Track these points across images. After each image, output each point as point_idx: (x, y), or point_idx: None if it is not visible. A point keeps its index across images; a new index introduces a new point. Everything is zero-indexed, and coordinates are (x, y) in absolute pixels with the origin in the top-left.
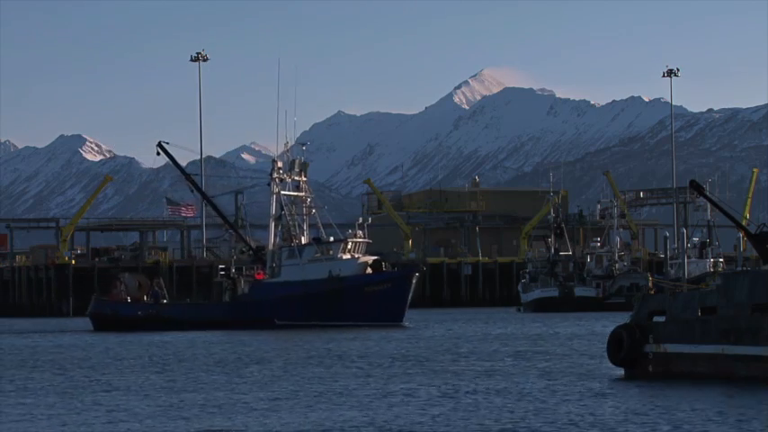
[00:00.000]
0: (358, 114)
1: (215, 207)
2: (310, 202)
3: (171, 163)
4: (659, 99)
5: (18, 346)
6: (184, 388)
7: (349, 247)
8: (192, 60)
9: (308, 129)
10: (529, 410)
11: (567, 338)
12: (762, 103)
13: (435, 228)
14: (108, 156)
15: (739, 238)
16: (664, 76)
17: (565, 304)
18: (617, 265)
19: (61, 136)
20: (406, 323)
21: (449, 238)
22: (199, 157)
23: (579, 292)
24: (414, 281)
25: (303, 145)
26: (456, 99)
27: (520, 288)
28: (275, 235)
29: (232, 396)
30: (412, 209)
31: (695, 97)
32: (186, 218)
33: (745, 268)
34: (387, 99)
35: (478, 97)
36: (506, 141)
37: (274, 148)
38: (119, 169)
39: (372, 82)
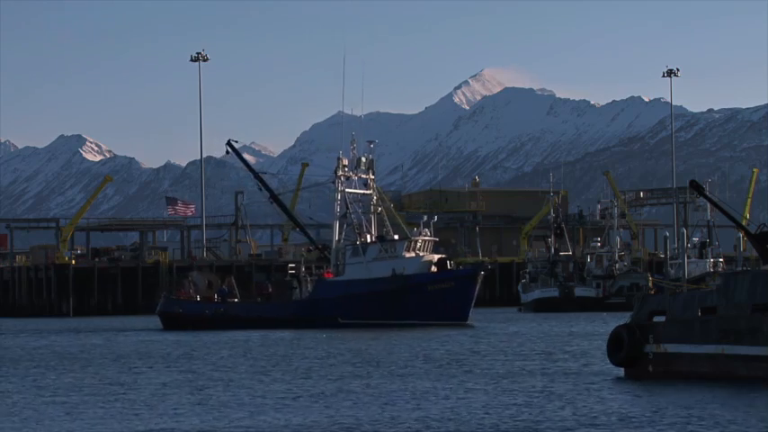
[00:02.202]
0: (358, 114)
1: (283, 206)
2: (377, 199)
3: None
4: (659, 99)
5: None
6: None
7: (418, 245)
8: (192, 60)
9: (308, 129)
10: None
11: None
12: (762, 103)
13: (435, 228)
14: (108, 156)
15: (739, 238)
16: (664, 76)
17: (565, 304)
18: (617, 265)
19: (61, 136)
20: (470, 322)
21: (449, 238)
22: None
23: (579, 292)
24: (479, 280)
25: (371, 143)
26: (456, 99)
27: (520, 288)
28: (340, 233)
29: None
30: (412, 209)
31: (695, 97)
32: (186, 217)
33: (745, 268)
34: (387, 99)
35: (478, 97)
36: (506, 141)
37: (274, 148)
38: (119, 169)
39: (372, 82)
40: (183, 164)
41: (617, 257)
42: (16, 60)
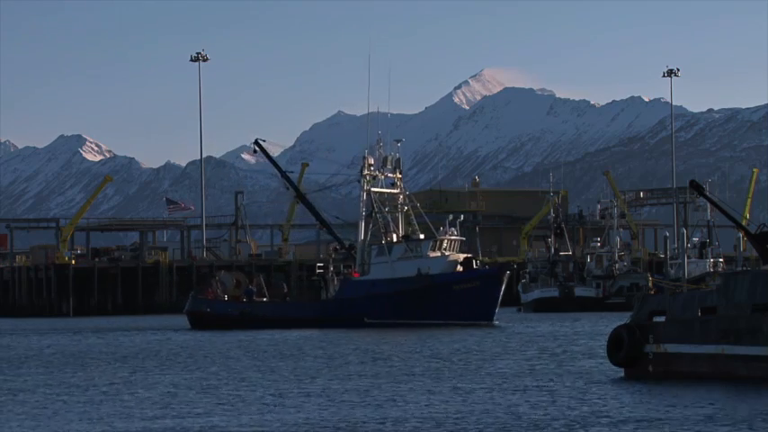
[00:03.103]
0: (358, 114)
1: (309, 205)
2: (403, 198)
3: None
4: (659, 99)
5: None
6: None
7: (444, 245)
8: (191, 60)
9: (308, 129)
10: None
11: None
12: (762, 103)
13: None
14: (108, 156)
15: (739, 238)
16: (664, 76)
17: (565, 304)
18: (617, 265)
19: (61, 136)
20: (496, 322)
21: None
22: (204, 156)
23: (579, 292)
24: (504, 279)
25: (398, 141)
26: (456, 99)
27: (520, 288)
28: (365, 233)
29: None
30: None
31: (695, 97)
32: (186, 217)
33: (745, 268)
34: (387, 99)
35: (478, 97)
36: (506, 141)
37: (274, 148)
38: (119, 169)
39: (372, 82)
40: (183, 164)
41: (617, 257)
42: (16, 60)
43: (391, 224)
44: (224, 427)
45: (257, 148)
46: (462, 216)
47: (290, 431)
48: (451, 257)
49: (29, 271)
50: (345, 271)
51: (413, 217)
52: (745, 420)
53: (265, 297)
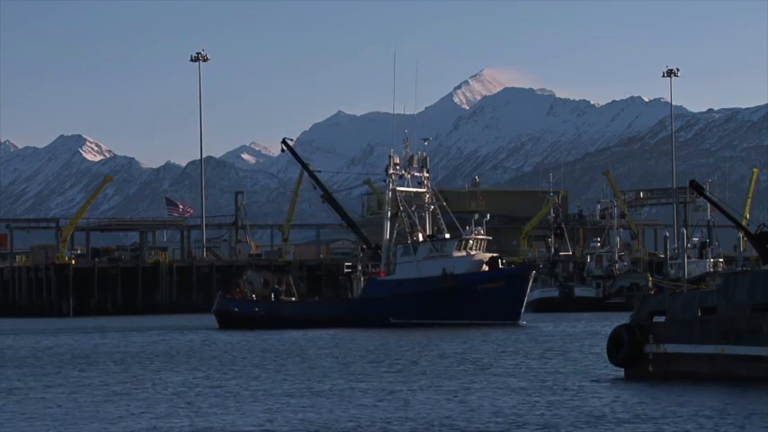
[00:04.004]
0: (358, 114)
1: (336, 204)
2: (429, 198)
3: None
4: (659, 99)
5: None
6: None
7: (471, 244)
8: (191, 60)
9: (308, 129)
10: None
11: None
12: (762, 103)
13: None
14: (108, 156)
15: (739, 238)
16: (664, 76)
17: (565, 304)
18: (617, 265)
19: (61, 136)
20: (522, 322)
21: None
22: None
23: (579, 292)
24: (530, 279)
25: (425, 140)
26: (456, 99)
27: None
28: (391, 232)
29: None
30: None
31: (695, 97)
32: (186, 217)
33: (745, 268)
34: (387, 99)
35: (478, 97)
36: (506, 141)
37: (274, 148)
38: (119, 169)
39: (372, 82)
40: (183, 164)
41: (617, 257)
42: (16, 60)
43: (417, 224)
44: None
45: (284, 147)
46: (488, 215)
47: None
48: (477, 257)
49: (29, 271)
50: (373, 270)
51: (440, 216)
52: (745, 420)
53: (294, 297)
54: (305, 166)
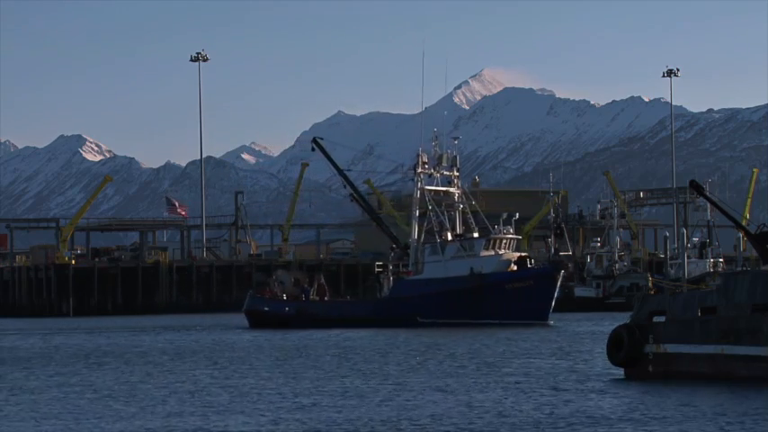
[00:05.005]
0: (358, 114)
1: (365, 203)
2: (459, 197)
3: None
4: (659, 99)
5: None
6: None
7: (501, 243)
8: (191, 60)
9: (308, 129)
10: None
11: None
12: (762, 103)
13: None
14: (108, 156)
15: (739, 238)
16: (664, 76)
17: (565, 304)
18: (617, 265)
19: (61, 136)
20: (550, 322)
21: None
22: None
23: (579, 292)
24: (559, 278)
25: (455, 139)
26: (456, 99)
27: None
28: (419, 232)
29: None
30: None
31: (695, 97)
32: (186, 219)
33: (745, 268)
34: (387, 99)
35: (478, 97)
36: (506, 141)
37: (274, 148)
38: (119, 169)
39: (372, 82)
40: (183, 164)
41: (617, 257)
42: (16, 60)
43: (446, 223)
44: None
45: (315, 146)
46: (517, 214)
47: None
48: (505, 256)
49: (29, 271)
50: (403, 270)
51: (470, 216)
52: (744, 420)
53: (326, 296)
54: (336, 166)
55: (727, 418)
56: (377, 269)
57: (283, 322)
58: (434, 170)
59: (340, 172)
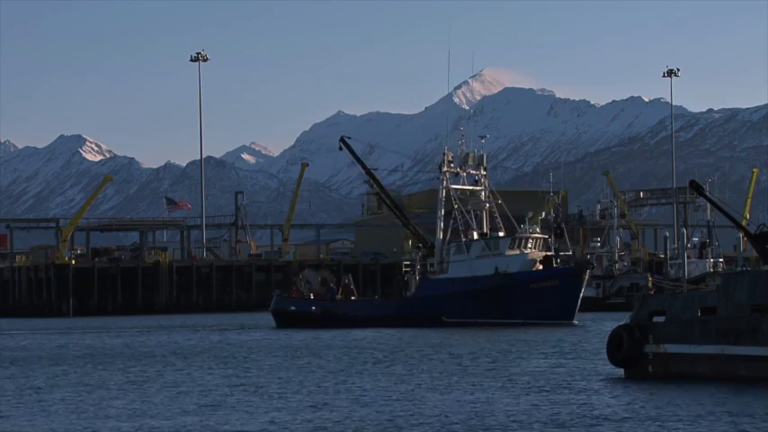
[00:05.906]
0: (358, 114)
1: (393, 202)
2: (486, 196)
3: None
4: (659, 99)
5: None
6: None
7: (528, 243)
8: (191, 60)
9: (308, 129)
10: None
11: None
12: (762, 103)
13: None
14: (108, 156)
15: (739, 238)
16: (664, 76)
17: None
18: (617, 266)
19: (61, 136)
20: (576, 321)
21: None
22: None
23: None
24: (585, 277)
25: (482, 138)
26: (456, 99)
27: None
28: (444, 231)
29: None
30: (412, 209)
31: (695, 97)
32: (185, 216)
33: (745, 268)
34: (387, 99)
35: (478, 97)
36: (506, 141)
37: (274, 148)
38: (119, 169)
39: (372, 82)
40: (183, 164)
41: (617, 257)
42: (16, 60)
43: (472, 222)
44: None
45: (343, 145)
46: (544, 213)
47: None
48: (530, 255)
49: (29, 271)
50: (429, 269)
51: (497, 214)
52: (744, 420)
53: (354, 295)
54: (364, 166)
55: (727, 418)
56: (404, 269)
57: (310, 321)
58: (461, 169)
59: (367, 171)
